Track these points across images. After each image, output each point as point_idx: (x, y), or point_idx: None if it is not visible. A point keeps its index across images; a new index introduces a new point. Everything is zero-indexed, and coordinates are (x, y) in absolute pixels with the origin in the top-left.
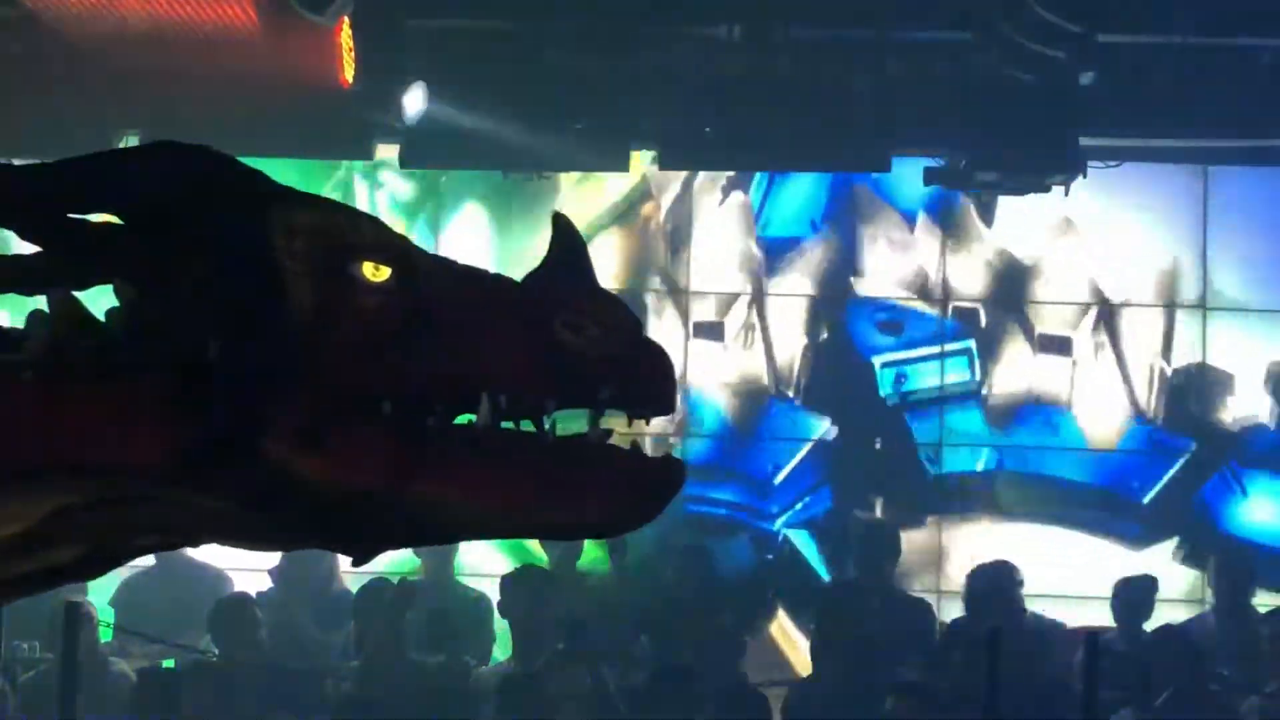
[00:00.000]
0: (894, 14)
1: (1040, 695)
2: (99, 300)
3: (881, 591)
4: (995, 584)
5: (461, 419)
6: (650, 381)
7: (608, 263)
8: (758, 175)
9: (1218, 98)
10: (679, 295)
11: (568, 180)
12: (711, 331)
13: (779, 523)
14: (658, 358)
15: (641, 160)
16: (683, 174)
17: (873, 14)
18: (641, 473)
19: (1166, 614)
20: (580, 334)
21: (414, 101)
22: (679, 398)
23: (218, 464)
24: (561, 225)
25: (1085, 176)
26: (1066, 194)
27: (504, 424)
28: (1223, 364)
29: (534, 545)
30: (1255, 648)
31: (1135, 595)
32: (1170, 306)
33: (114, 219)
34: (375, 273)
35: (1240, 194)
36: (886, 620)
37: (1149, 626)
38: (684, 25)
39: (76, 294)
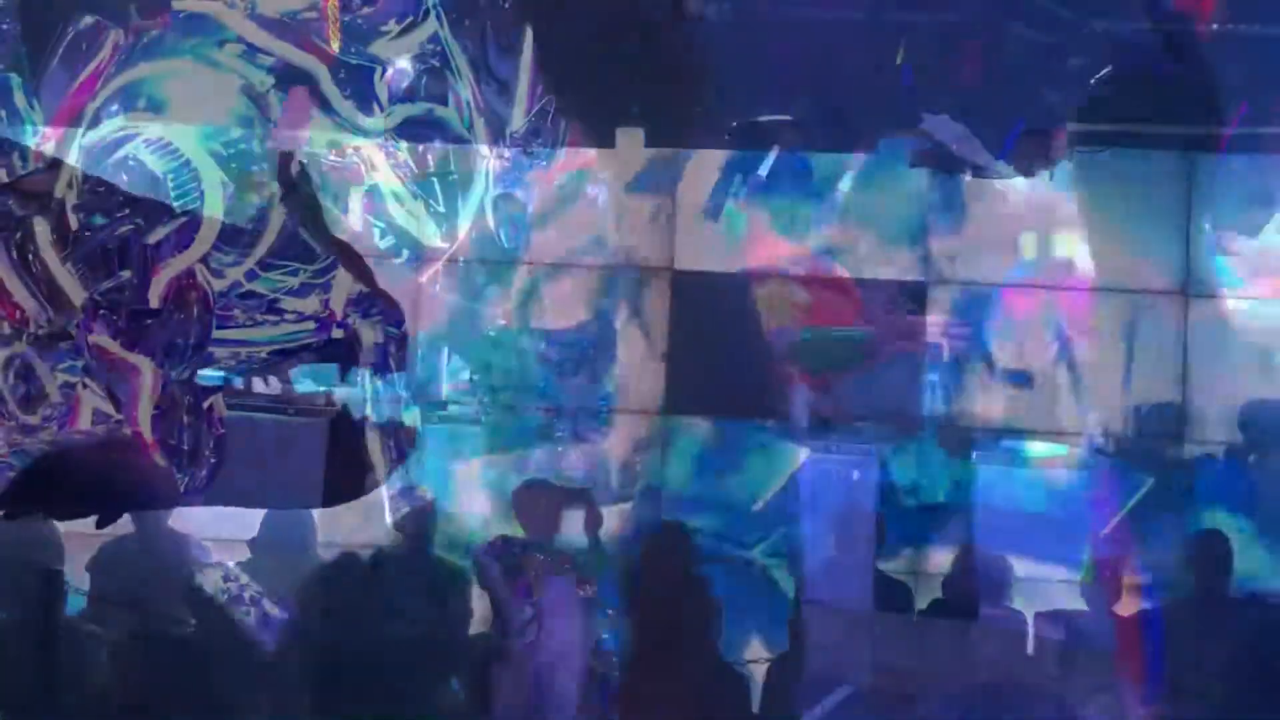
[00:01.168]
0: None
1: (1016, 679)
2: None
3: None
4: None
5: None
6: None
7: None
8: None
9: (1204, 85)
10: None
11: None
12: None
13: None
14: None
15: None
16: None
17: None
18: None
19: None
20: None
21: (400, 74)
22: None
23: None
24: (284, 161)
25: (1071, 162)
26: (1051, 179)
27: None
28: (1201, 351)
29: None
30: (1231, 631)
31: (1105, 577)
32: (1149, 293)
33: None
34: None
35: (1224, 181)
36: (866, 599)
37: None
38: (673, 2)
39: None
